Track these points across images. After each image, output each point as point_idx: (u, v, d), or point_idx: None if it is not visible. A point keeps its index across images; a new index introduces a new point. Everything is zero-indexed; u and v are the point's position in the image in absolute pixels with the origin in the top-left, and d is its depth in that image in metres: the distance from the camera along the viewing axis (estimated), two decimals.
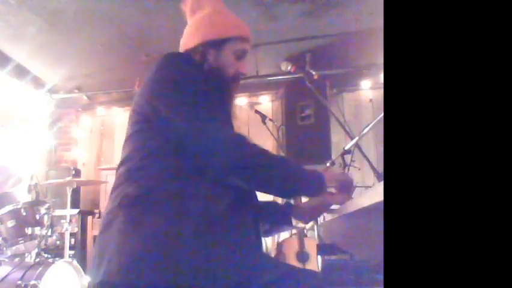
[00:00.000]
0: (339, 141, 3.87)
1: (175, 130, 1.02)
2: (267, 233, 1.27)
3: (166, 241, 0.91)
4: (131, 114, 1.13)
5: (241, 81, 1.28)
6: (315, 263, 3.14)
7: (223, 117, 1.12)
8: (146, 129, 1.07)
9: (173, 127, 1.02)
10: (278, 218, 1.24)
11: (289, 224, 1.25)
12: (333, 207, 1.14)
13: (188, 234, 0.92)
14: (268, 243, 3.72)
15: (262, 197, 1.15)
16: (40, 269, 2.18)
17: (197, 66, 1.17)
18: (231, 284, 0.90)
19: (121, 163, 1.08)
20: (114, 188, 1.05)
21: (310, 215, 1.20)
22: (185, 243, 0.91)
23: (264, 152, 1.03)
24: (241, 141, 1.04)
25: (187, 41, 1.23)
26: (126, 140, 1.11)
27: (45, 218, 2.52)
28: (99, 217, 4.12)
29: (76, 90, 4.68)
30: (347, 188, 1.10)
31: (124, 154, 1.09)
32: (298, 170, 1.05)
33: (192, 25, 1.24)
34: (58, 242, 2.72)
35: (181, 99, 1.04)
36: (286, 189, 1.06)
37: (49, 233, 2.53)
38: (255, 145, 1.04)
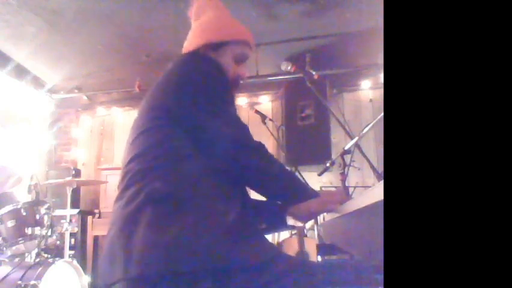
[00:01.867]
0: (339, 141, 3.87)
1: (202, 129, 1.06)
2: (265, 232, 1.27)
3: (199, 233, 0.93)
4: (145, 108, 1.14)
5: (241, 81, 1.30)
6: None
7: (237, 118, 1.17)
8: (166, 125, 1.08)
9: (199, 125, 1.06)
10: (273, 218, 1.24)
11: (284, 225, 1.25)
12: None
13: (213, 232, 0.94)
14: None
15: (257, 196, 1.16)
16: (40, 269, 2.19)
17: (217, 68, 1.19)
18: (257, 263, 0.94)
19: (133, 159, 1.07)
20: (129, 185, 1.03)
21: (308, 214, 1.19)
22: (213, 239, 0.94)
23: (276, 162, 1.11)
24: (262, 150, 1.10)
25: (189, 43, 1.26)
26: (138, 136, 1.10)
27: (45, 218, 2.52)
28: (99, 217, 4.11)
29: (76, 90, 4.67)
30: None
31: (137, 150, 1.08)
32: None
33: (195, 29, 1.28)
34: (58, 242, 2.72)
35: (208, 99, 1.09)
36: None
37: (49, 233, 2.53)
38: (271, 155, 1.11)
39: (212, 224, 0.95)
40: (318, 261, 2.72)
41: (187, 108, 1.08)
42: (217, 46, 1.23)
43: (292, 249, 3.28)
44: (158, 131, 1.07)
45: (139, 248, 0.91)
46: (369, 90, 4.31)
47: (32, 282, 2.10)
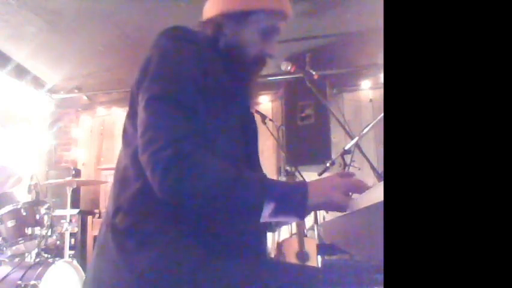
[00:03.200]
0: (339, 141, 3.87)
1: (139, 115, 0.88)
2: (269, 229, 1.22)
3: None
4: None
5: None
6: (315, 263, 3.14)
7: (228, 118, 0.94)
8: (135, 125, 0.93)
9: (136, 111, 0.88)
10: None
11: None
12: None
13: (188, 258, 0.85)
14: (269, 243, 3.72)
15: None
16: (40, 269, 2.19)
17: (204, 43, 0.96)
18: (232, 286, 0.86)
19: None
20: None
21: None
22: (186, 268, 0.85)
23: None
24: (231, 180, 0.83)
25: (206, 9, 1.05)
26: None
27: (45, 218, 2.52)
28: (99, 217, 4.12)
29: (76, 90, 4.68)
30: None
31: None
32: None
33: None
34: (58, 242, 2.72)
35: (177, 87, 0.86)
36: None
37: (49, 233, 2.53)
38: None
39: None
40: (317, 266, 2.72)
41: (135, 92, 0.93)
42: (238, 17, 0.99)
43: (292, 249, 3.28)
44: (126, 130, 0.98)
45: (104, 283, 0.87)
46: (369, 90, 4.31)
47: (32, 282, 2.10)
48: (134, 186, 0.90)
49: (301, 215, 0.86)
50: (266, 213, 0.83)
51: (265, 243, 1.10)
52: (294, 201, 0.84)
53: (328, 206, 0.86)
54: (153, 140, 0.82)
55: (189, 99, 0.86)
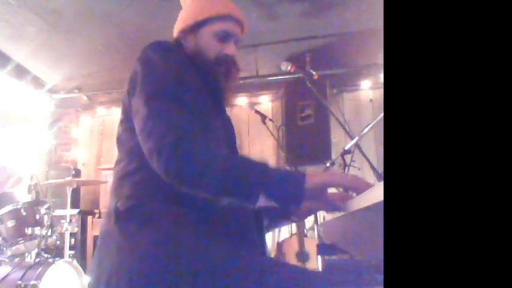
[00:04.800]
0: (339, 141, 3.87)
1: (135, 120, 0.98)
2: (267, 229, 1.23)
3: (165, 250, 0.88)
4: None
5: (241, 81, 1.23)
6: (315, 263, 3.14)
7: (203, 113, 1.02)
8: (129, 129, 1.05)
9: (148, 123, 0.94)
10: (277, 212, 1.16)
11: (288, 218, 1.21)
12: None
13: (188, 238, 0.90)
14: (268, 243, 3.72)
15: None
16: (40, 269, 2.18)
17: (180, 53, 1.11)
18: (232, 285, 0.88)
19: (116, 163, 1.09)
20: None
21: (308, 210, 1.14)
22: (185, 248, 0.89)
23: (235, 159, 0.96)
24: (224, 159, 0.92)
25: (174, 31, 1.21)
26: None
27: (45, 218, 2.52)
28: (99, 217, 4.12)
29: (76, 90, 4.68)
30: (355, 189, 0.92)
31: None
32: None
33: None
34: (58, 242, 2.72)
35: (164, 92, 0.97)
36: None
37: (49, 233, 2.53)
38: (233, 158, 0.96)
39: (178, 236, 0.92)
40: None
41: (127, 100, 1.04)
42: (193, 29, 1.13)
43: (292, 249, 3.28)
44: (122, 135, 1.11)
45: (106, 273, 0.91)
46: (369, 90, 4.31)
47: (32, 282, 2.10)
48: (135, 178, 0.98)
49: (299, 197, 0.88)
50: (265, 194, 0.87)
51: (264, 237, 1.12)
52: (293, 182, 0.89)
53: (330, 183, 0.90)
54: (156, 128, 0.90)
55: (182, 95, 0.96)
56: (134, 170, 0.99)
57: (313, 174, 0.89)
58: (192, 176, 0.88)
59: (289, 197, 0.89)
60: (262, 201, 0.87)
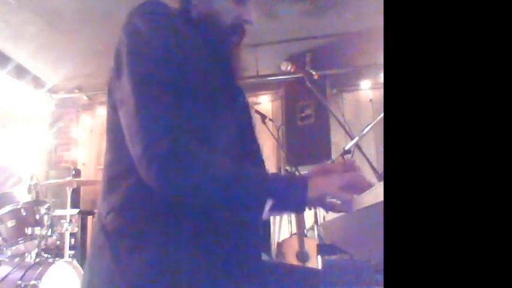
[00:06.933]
0: (339, 141, 3.87)
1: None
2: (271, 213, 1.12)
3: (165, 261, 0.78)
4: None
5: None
6: (315, 263, 3.14)
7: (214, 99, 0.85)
8: (113, 122, 0.86)
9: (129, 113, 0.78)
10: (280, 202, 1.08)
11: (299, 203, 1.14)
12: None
13: (183, 258, 0.80)
14: (268, 243, 3.72)
15: None
16: (40, 269, 2.18)
17: (177, 18, 0.87)
18: (231, 285, 0.85)
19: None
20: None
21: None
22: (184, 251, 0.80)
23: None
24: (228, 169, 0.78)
25: None
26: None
27: (45, 218, 2.52)
28: None
29: (76, 90, 4.68)
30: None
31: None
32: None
33: None
34: (58, 242, 2.72)
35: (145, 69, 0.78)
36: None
37: (49, 233, 2.53)
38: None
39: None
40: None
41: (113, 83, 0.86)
42: None
43: (292, 249, 3.29)
44: (109, 128, 0.91)
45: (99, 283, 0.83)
46: (369, 90, 4.31)
47: (32, 282, 2.10)
48: (126, 182, 0.83)
49: (300, 210, 0.83)
50: (266, 210, 0.79)
51: (265, 242, 1.10)
52: (294, 197, 0.80)
53: (331, 194, 0.81)
54: (145, 128, 0.75)
55: (180, 81, 0.79)
56: (125, 172, 0.83)
57: (315, 182, 0.80)
58: (185, 189, 0.77)
59: (290, 207, 0.84)
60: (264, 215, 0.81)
